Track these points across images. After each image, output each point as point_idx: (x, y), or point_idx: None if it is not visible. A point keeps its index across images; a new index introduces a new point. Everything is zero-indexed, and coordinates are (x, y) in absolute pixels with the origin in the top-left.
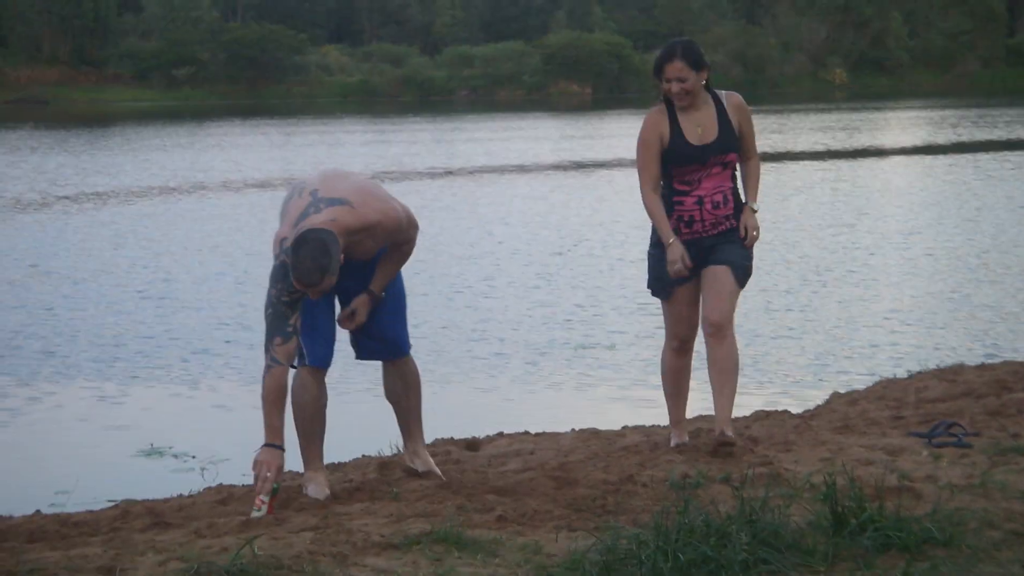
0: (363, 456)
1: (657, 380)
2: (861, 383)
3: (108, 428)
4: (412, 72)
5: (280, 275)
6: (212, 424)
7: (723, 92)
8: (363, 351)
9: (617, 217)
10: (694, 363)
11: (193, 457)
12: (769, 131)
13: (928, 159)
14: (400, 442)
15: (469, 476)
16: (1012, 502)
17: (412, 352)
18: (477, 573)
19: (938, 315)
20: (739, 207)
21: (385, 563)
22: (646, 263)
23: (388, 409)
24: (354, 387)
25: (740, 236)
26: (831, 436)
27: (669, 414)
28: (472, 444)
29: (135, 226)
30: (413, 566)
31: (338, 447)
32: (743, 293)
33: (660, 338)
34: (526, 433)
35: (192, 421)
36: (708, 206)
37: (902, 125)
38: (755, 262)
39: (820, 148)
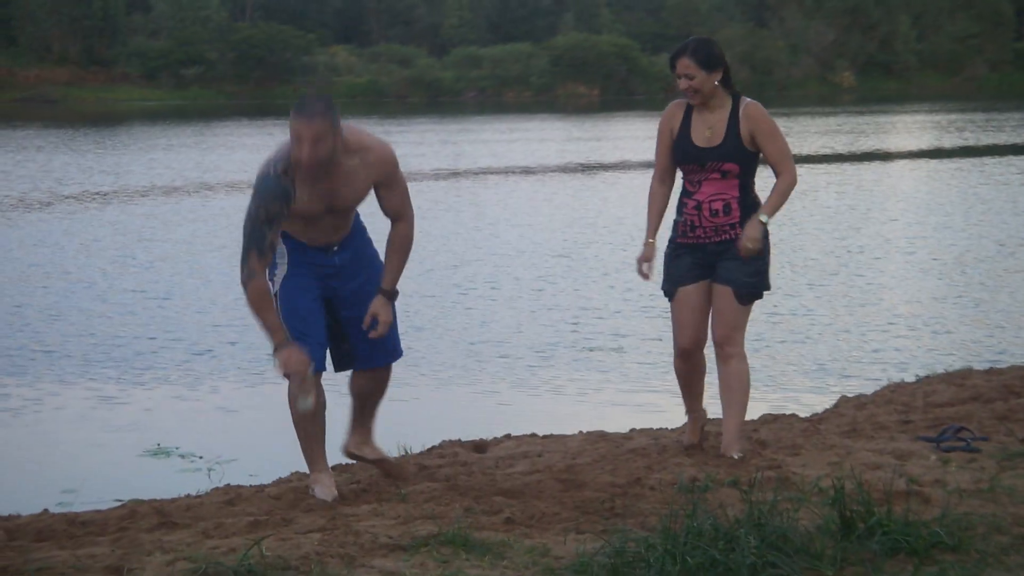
0: None
1: (665, 383)
2: (869, 387)
3: (114, 428)
4: (420, 73)
5: (262, 189)
6: (218, 424)
7: (746, 100)
8: (359, 359)
9: (622, 219)
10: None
11: (200, 457)
12: None
13: (934, 163)
14: (408, 443)
15: (476, 478)
16: (1020, 507)
17: (417, 354)
18: (485, 575)
19: (945, 319)
20: (749, 218)
21: (392, 565)
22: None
23: (395, 410)
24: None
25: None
26: (839, 440)
27: (684, 404)
28: (479, 446)
29: (139, 226)
30: (421, 568)
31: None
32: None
33: (667, 341)
34: (533, 435)
35: (198, 421)
36: (706, 212)
37: (908, 129)
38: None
39: (826, 151)
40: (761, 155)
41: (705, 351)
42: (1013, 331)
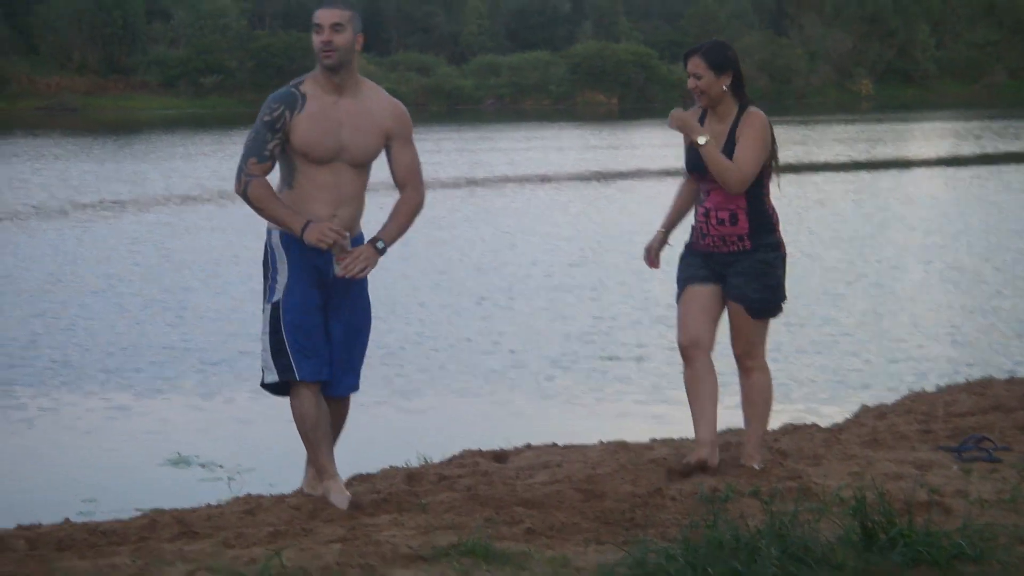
0: (390, 467)
1: (684, 393)
2: (889, 397)
3: (134, 437)
4: (439, 81)
5: (271, 96)
6: (238, 434)
7: (751, 109)
8: (332, 386)
9: (639, 227)
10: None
11: (220, 467)
12: (792, 142)
13: (952, 171)
14: (428, 453)
15: (497, 488)
16: None
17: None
18: None
19: (964, 328)
20: (759, 230)
21: (413, 575)
22: None
23: (414, 419)
24: (379, 398)
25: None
26: (860, 450)
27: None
28: (500, 456)
29: (154, 234)
30: None
31: (365, 458)
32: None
33: None
34: (554, 445)
35: (218, 431)
36: (713, 221)
37: (926, 136)
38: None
39: (843, 159)
40: (772, 159)
41: (720, 374)
42: None
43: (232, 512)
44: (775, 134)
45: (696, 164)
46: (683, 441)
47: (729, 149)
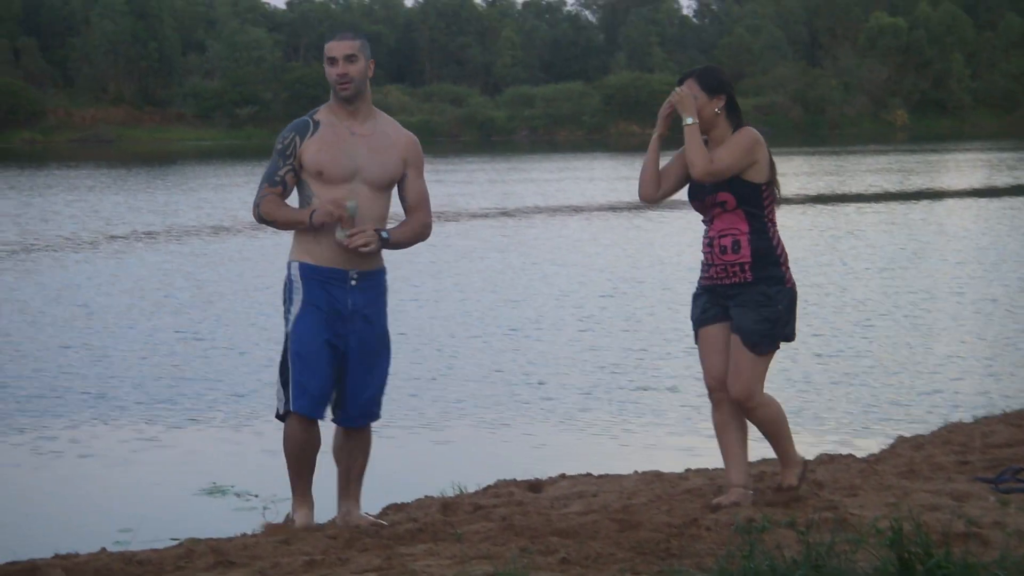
0: (426, 496)
1: None
2: (926, 428)
3: (169, 467)
4: (472, 112)
5: (285, 129)
6: (273, 463)
7: (745, 127)
8: (346, 417)
9: (669, 258)
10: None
11: (255, 496)
12: (825, 172)
13: (985, 202)
14: (463, 482)
15: (532, 518)
16: None
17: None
18: None
19: (999, 360)
20: (762, 260)
21: None
22: None
23: (449, 449)
24: (413, 428)
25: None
26: (896, 481)
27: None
28: (535, 486)
29: (185, 265)
30: None
31: (400, 487)
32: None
33: None
34: (588, 475)
35: (253, 460)
36: (717, 249)
37: (960, 167)
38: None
39: (875, 190)
40: (770, 184)
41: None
42: None
43: (268, 542)
44: (773, 159)
45: (697, 193)
46: (717, 471)
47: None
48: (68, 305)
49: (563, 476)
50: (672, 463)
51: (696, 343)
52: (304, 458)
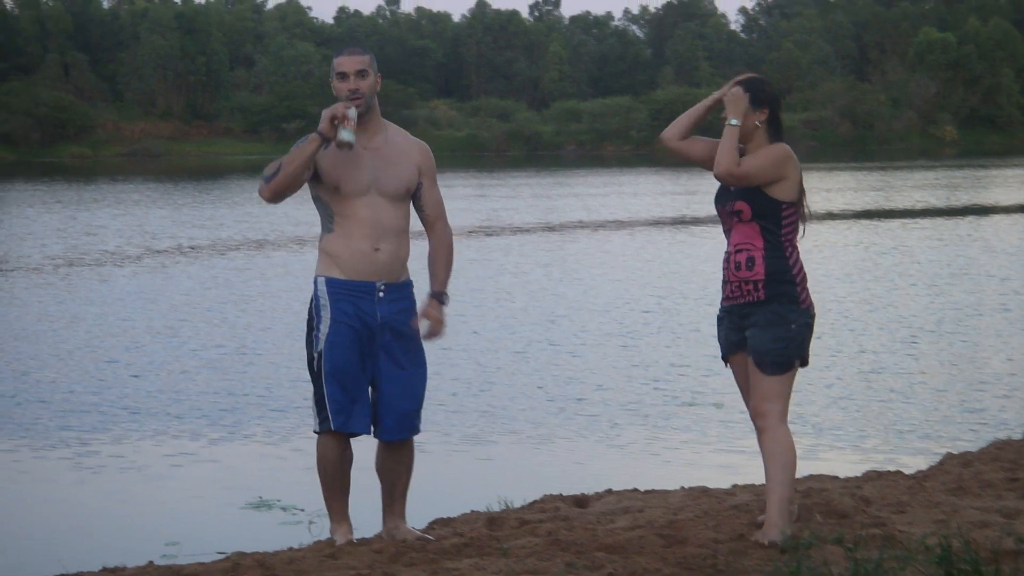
0: (471, 511)
1: None
2: (974, 444)
3: (215, 481)
4: (519, 126)
5: (299, 140)
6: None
7: (779, 143)
8: (386, 431)
9: (712, 273)
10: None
11: (301, 510)
12: (871, 188)
13: None
14: (509, 497)
15: (578, 533)
16: None
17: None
18: None
19: None
20: (776, 279)
21: None
22: None
23: (495, 464)
24: (458, 442)
25: (776, 317)
26: (945, 498)
27: None
28: (581, 501)
29: (229, 279)
30: None
31: (446, 502)
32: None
33: None
34: (635, 490)
35: (299, 475)
36: (732, 266)
37: (1008, 183)
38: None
39: (922, 205)
40: (795, 205)
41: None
42: None
43: (314, 556)
44: (803, 178)
45: (720, 198)
46: (764, 487)
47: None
48: (112, 319)
49: (609, 491)
50: (718, 479)
51: (727, 367)
52: (339, 476)
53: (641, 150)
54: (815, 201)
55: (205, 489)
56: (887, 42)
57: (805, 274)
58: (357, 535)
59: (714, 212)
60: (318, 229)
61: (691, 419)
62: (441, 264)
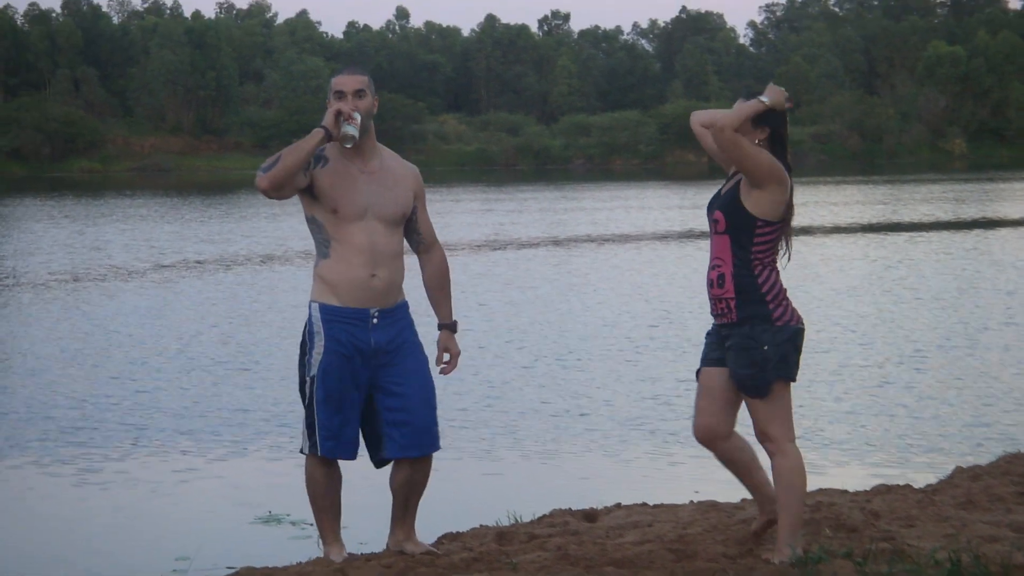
0: (480, 525)
1: None
2: (984, 458)
3: (225, 496)
4: (529, 140)
5: None
6: None
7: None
8: (393, 447)
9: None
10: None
11: (311, 525)
12: (878, 201)
13: None
14: (518, 511)
15: (587, 547)
16: None
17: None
18: None
19: None
20: (746, 300)
21: None
22: None
23: (503, 479)
24: (467, 457)
25: (751, 343)
26: (955, 512)
27: None
28: (590, 515)
29: (235, 295)
30: None
31: (455, 516)
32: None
33: None
34: (644, 505)
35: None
36: (707, 282)
37: (1015, 196)
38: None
39: (928, 219)
40: (771, 225)
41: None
42: None
43: (323, 571)
44: (793, 200)
45: (710, 206)
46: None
47: (732, 194)
48: (116, 334)
49: (618, 506)
50: (728, 493)
51: (697, 378)
52: (329, 496)
53: (650, 164)
54: (822, 215)
55: (214, 504)
56: (896, 56)
57: (781, 290)
58: (366, 549)
59: None
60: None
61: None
62: (444, 292)
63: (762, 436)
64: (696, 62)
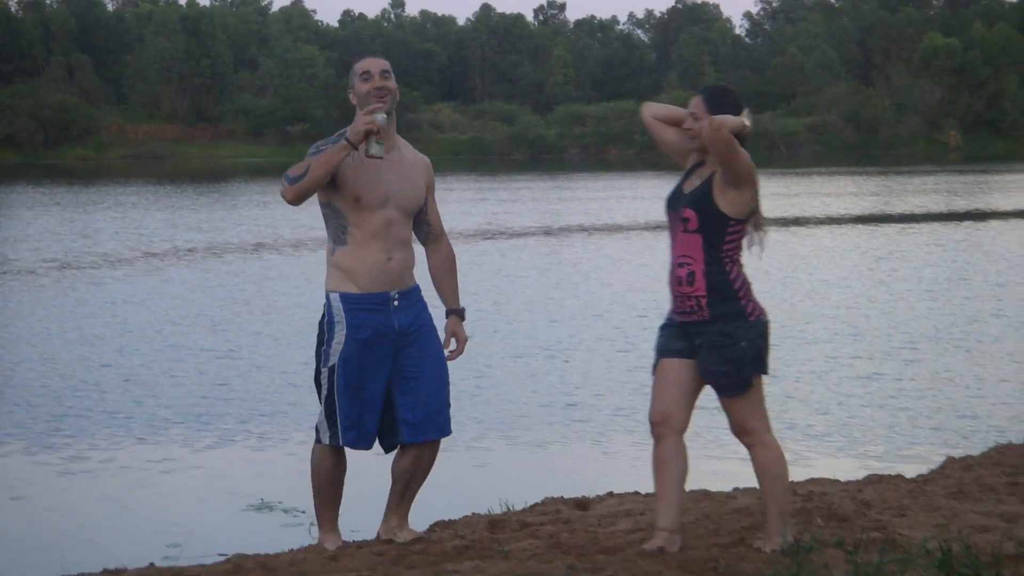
0: (473, 514)
1: None
2: (976, 448)
3: (217, 484)
4: (523, 130)
5: (316, 143)
6: None
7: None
8: (407, 431)
9: None
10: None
11: (303, 512)
12: (871, 193)
13: None
14: (510, 500)
15: (579, 536)
16: None
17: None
18: None
19: None
20: (718, 297)
21: None
22: None
23: (496, 467)
24: (456, 447)
25: (728, 338)
26: (946, 502)
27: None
28: (582, 503)
29: (224, 283)
30: None
31: (448, 505)
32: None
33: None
34: (636, 493)
35: (300, 477)
36: (674, 280)
37: (1007, 188)
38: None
39: (920, 211)
40: (741, 223)
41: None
42: None
43: (315, 557)
44: (759, 193)
45: (672, 202)
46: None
47: (704, 184)
48: (106, 322)
49: (610, 494)
50: (719, 482)
51: (653, 372)
52: (334, 485)
53: (645, 154)
54: (815, 206)
55: (206, 491)
56: (892, 47)
57: (748, 286)
58: (358, 536)
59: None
60: (314, 232)
61: (692, 423)
62: (452, 280)
63: (740, 431)
64: (692, 52)
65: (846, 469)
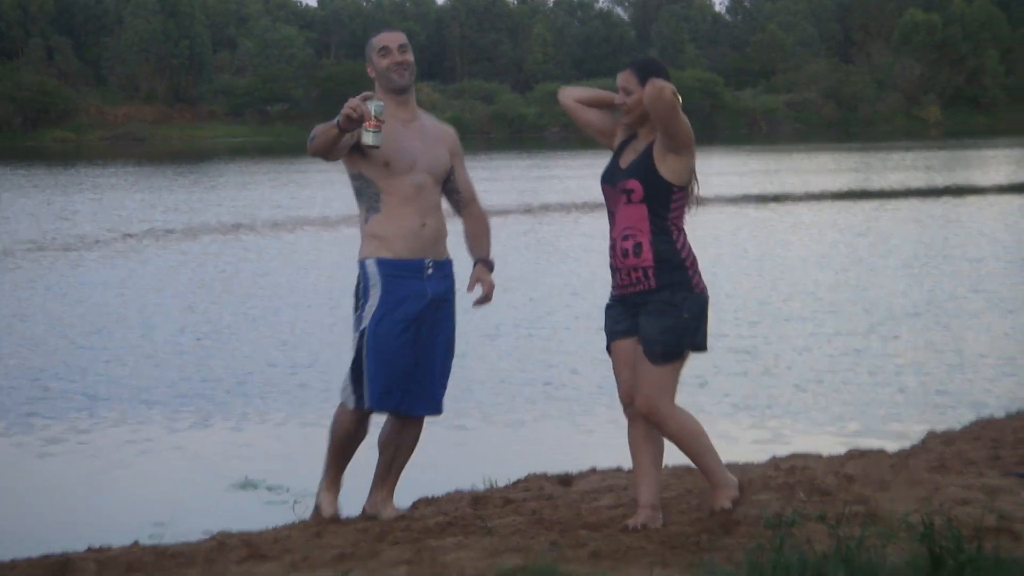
0: (456, 490)
1: (751, 417)
2: (958, 423)
3: (201, 462)
4: (503, 109)
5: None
6: (304, 458)
7: None
8: (409, 406)
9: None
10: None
11: (287, 490)
12: (849, 169)
13: (1009, 199)
14: (494, 476)
15: (562, 511)
16: None
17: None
18: None
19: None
20: (665, 266)
21: None
22: None
23: (480, 443)
24: (439, 423)
25: (665, 305)
26: (928, 476)
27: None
28: (565, 480)
29: (203, 264)
30: None
31: (431, 481)
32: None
33: (751, 375)
34: (619, 469)
35: (284, 455)
36: (619, 252)
37: (986, 164)
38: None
39: (899, 187)
40: (684, 189)
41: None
42: None
43: (299, 534)
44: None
45: (609, 176)
46: (748, 465)
47: (644, 156)
48: (83, 304)
49: (593, 470)
50: None
51: (609, 356)
52: (350, 447)
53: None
54: (793, 183)
55: (189, 471)
56: (872, 23)
57: (695, 257)
58: (343, 513)
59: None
60: (292, 212)
61: (677, 399)
62: (485, 237)
63: (651, 406)
64: (672, 30)
65: (828, 445)
